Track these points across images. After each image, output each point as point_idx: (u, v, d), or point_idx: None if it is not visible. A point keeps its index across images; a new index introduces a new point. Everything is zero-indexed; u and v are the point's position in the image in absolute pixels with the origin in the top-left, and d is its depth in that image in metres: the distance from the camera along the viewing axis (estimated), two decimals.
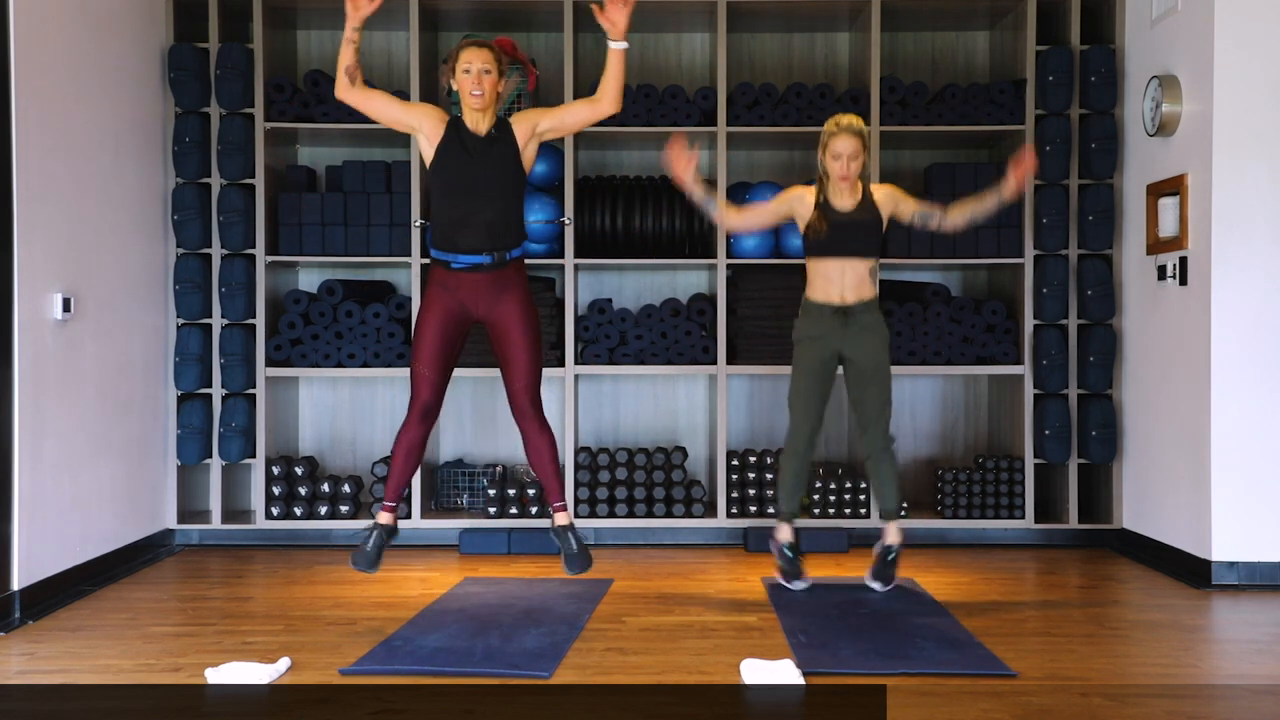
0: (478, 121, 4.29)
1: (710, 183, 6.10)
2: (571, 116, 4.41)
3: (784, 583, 4.93)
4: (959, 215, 4.84)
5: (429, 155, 4.31)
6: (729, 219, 4.98)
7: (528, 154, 4.33)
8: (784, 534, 4.98)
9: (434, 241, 4.35)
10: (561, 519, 4.47)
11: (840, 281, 4.81)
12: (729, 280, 6.02)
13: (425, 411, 4.36)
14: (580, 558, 4.44)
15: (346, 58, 4.22)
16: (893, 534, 4.91)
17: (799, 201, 4.86)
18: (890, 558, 4.89)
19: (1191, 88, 5.27)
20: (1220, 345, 5.08)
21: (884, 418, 4.86)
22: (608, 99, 4.29)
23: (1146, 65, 5.69)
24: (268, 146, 5.96)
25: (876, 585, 4.87)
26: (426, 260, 5.80)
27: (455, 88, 4.27)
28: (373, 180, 6.05)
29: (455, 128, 4.30)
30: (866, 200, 4.81)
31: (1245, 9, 5.05)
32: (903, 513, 4.91)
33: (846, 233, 4.77)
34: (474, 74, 4.22)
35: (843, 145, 4.73)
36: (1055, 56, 5.90)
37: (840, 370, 4.94)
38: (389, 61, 6.47)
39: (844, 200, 4.81)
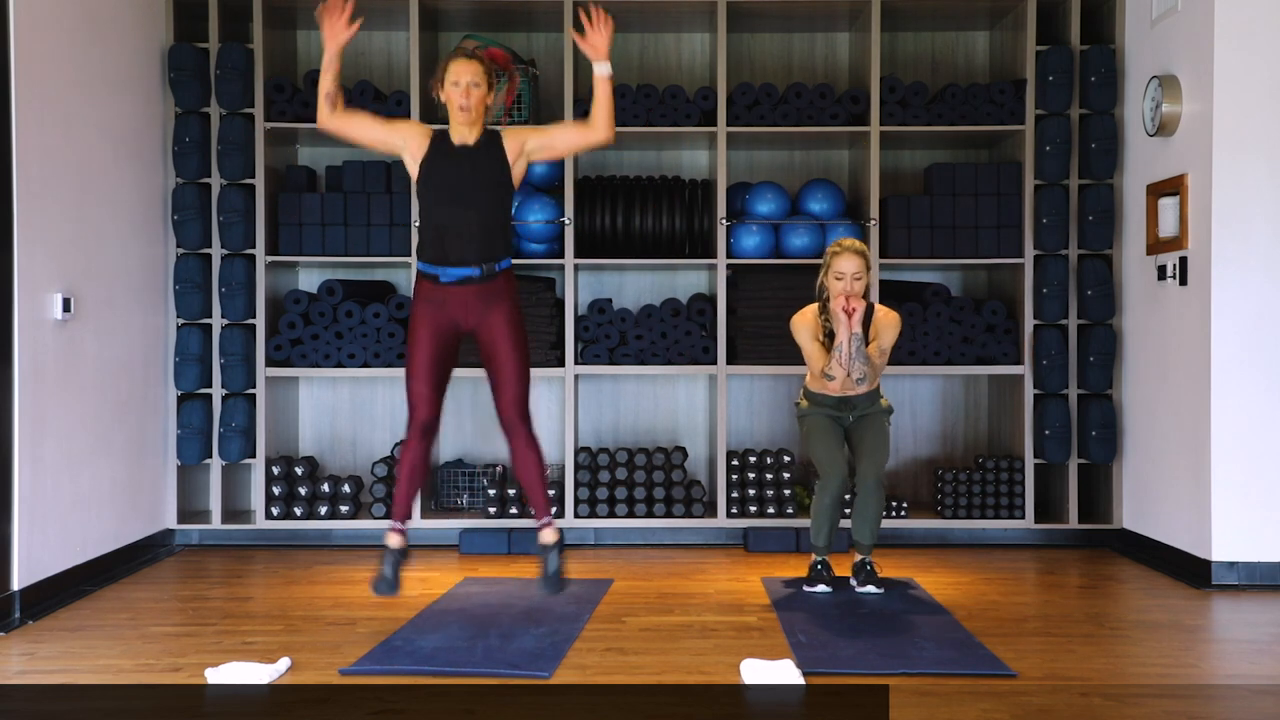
0: (464, 134, 4.22)
1: (710, 183, 6.12)
2: (561, 140, 4.32)
3: (805, 587, 4.97)
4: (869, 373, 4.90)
5: (414, 171, 4.24)
6: (839, 376, 4.87)
7: (516, 170, 4.25)
8: (818, 556, 5.04)
9: (421, 254, 4.28)
10: (548, 536, 4.30)
11: (841, 386, 4.92)
12: (729, 280, 6.02)
13: (425, 429, 4.28)
14: (553, 581, 4.26)
15: (326, 84, 4.18)
16: (861, 555, 4.99)
17: (811, 329, 4.90)
18: (870, 567, 4.95)
19: (1191, 88, 5.27)
20: (1220, 345, 5.08)
21: (880, 464, 4.93)
22: (599, 128, 4.20)
23: (1146, 65, 5.69)
24: (268, 146, 5.96)
25: (871, 588, 4.89)
26: None
27: (444, 100, 4.21)
28: (373, 180, 6.05)
29: (440, 141, 4.23)
30: (866, 327, 4.85)
31: (1245, 9, 5.05)
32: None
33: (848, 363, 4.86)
34: (462, 87, 4.14)
35: (845, 265, 4.77)
36: (1055, 56, 5.90)
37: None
38: (389, 61, 6.47)
39: (845, 329, 4.85)
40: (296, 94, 5.98)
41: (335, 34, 4.14)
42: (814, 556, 5.02)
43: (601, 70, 4.15)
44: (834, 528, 4.97)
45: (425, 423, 4.27)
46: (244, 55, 5.87)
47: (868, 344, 4.85)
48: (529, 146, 4.25)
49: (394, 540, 4.31)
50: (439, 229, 4.20)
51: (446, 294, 4.22)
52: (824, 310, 4.91)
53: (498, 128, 4.27)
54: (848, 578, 5.03)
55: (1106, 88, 5.89)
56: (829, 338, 4.88)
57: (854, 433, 5.00)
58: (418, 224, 4.32)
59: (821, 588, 4.91)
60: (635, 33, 6.47)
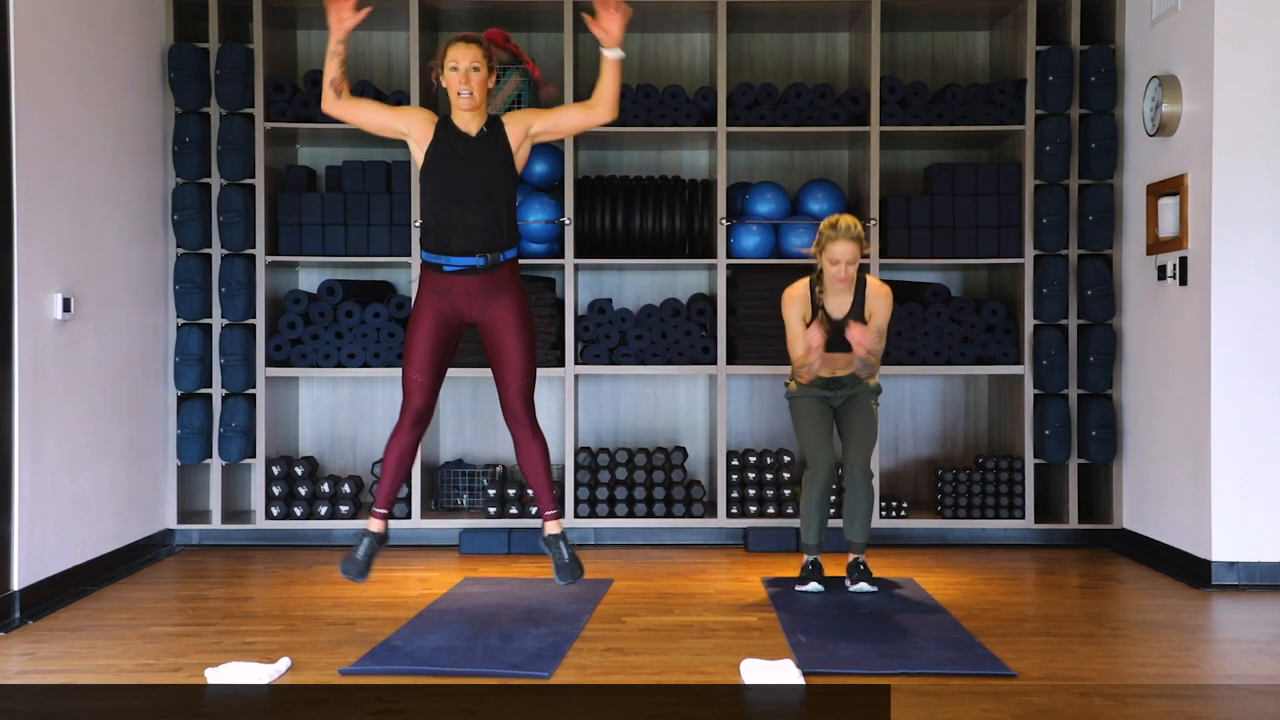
0: (467, 121, 4.20)
1: (710, 183, 6.13)
2: (566, 120, 4.29)
3: (796, 586, 4.97)
4: (860, 358, 4.83)
5: (419, 158, 4.23)
6: (815, 366, 4.87)
7: (520, 155, 4.24)
8: (810, 556, 5.02)
9: (424, 244, 4.26)
10: (553, 528, 4.33)
11: (832, 364, 4.94)
12: (729, 280, 6.02)
13: (418, 417, 4.26)
14: (571, 566, 4.30)
15: (331, 70, 4.16)
16: (854, 552, 5.00)
17: (802, 304, 4.90)
18: (863, 566, 4.96)
19: (1191, 88, 5.27)
20: (1220, 345, 5.08)
21: (867, 451, 4.95)
22: (604, 106, 4.19)
23: (1146, 65, 5.69)
24: (268, 146, 5.95)
25: (865, 586, 4.89)
26: None
27: (444, 85, 4.18)
28: (373, 180, 6.05)
29: (444, 128, 4.20)
30: (859, 301, 4.87)
31: (1245, 9, 5.05)
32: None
33: (841, 335, 4.86)
34: (461, 71, 4.12)
35: (840, 251, 4.76)
36: (1055, 56, 5.90)
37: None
38: (389, 61, 6.47)
39: (839, 302, 4.87)
40: (296, 94, 5.98)
41: (341, 20, 4.12)
42: (805, 556, 5.01)
43: (613, 55, 4.14)
44: (824, 522, 4.97)
45: (419, 410, 4.26)
46: (244, 55, 5.87)
47: (864, 320, 4.84)
48: (534, 129, 4.24)
49: (374, 524, 4.31)
50: (442, 220, 4.18)
51: (451, 283, 4.21)
52: (818, 282, 4.86)
53: (499, 118, 4.25)
54: (842, 577, 5.03)
55: (1106, 88, 5.89)
56: (823, 314, 4.84)
57: (841, 417, 5.01)
58: (420, 213, 4.26)
59: (814, 585, 4.90)
60: (635, 33, 6.47)
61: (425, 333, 4.23)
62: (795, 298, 4.91)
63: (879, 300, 4.88)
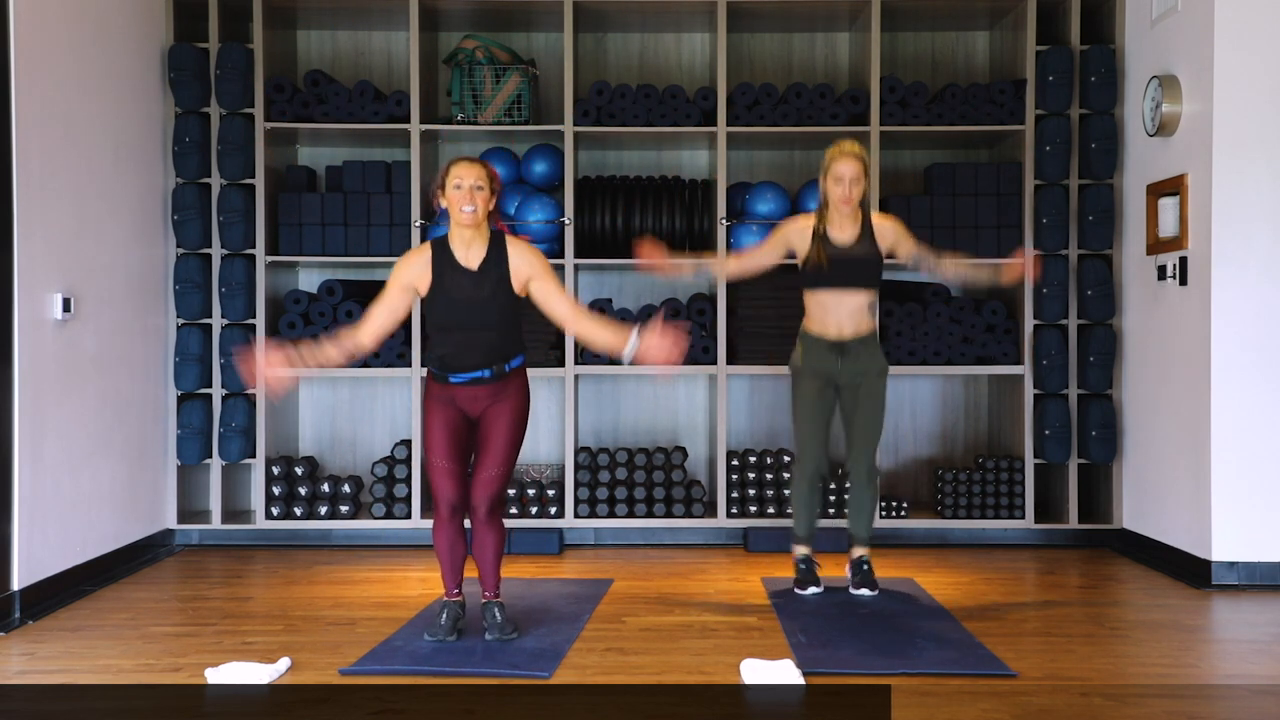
0: (468, 245, 4.11)
1: (710, 183, 6.13)
2: (553, 307, 4.16)
3: (796, 590, 4.94)
4: (952, 269, 4.95)
5: (424, 293, 4.16)
6: (729, 269, 5.13)
7: (517, 289, 4.15)
8: (800, 550, 4.99)
9: (430, 360, 4.21)
10: (490, 597, 4.24)
11: (838, 313, 4.80)
12: (729, 280, 6.02)
13: (454, 507, 4.16)
14: (503, 625, 4.18)
15: (333, 348, 4.20)
16: (859, 549, 4.97)
17: (797, 234, 4.84)
18: (866, 566, 4.92)
19: (1191, 88, 5.27)
20: (1220, 345, 5.08)
21: (872, 444, 4.89)
22: (576, 329, 4.19)
23: (1146, 65, 5.69)
24: (268, 146, 5.95)
25: (866, 591, 4.87)
26: None
27: (445, 205, 4.11)
28: (373, 180, 6.05)
29: (442, 263, 4.11)
30: (866, 232, 4.80)
31: (1245, 9, 5.05)
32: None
33: (845, 267, 4.76)
34: (465, 190, 4.04)
35: (845, 168, 4.71)
36: (1055, 56, 5.90)
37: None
38: (389, 62, 6.47)
39: (844, 231, 4.79)
40: (296, 94, 5.97)
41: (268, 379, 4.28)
42: (797, 552, 4.96)
43: (627, 350, 4.08)
44: (814, 514, 4.94)
45: (453, 499, 4.15)
46: (244, 55, 5.87)
47: (881, 254, 4.79)
48: (532, 286, 4.15)
49: (451, 595, 4.25)
50: (448, 348, 4.13)
51: (454, 392, 4.17)
52: (821, 216, 4.81)
53: (503, 235, 4.17)
54: (842, 578, 5.02)
55: (1106, 88, 5.89)
56: (822, 241, 4.76)
57: (847, 399, 4.88)
58: (427, 335, 4.20)
59: (813, 590, 4.89)
60: (635, 33, 6.48)
61: (440, 423, 4.16)
62: (792, 225, 4.86)
63: (894, 229, 4.84)
